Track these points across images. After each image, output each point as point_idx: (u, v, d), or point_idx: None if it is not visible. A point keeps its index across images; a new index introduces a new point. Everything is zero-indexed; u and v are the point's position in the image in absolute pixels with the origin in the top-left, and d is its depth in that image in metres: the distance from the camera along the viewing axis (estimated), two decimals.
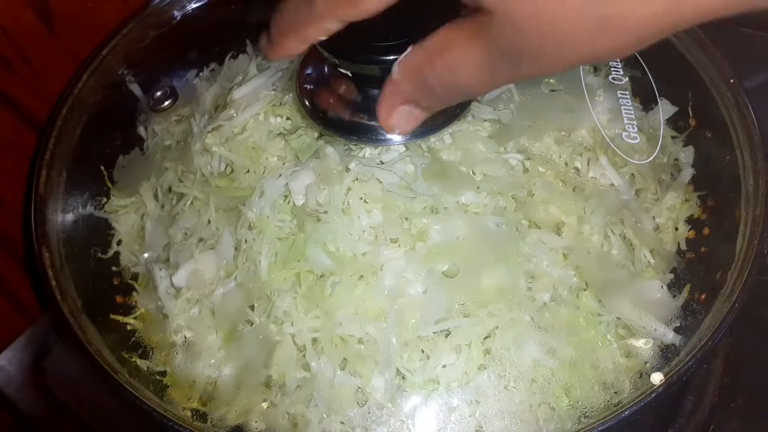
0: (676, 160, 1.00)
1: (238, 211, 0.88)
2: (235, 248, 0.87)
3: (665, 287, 0.87)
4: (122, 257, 1.02)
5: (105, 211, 1.02)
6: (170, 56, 1.10)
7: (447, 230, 0.80)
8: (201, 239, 0.92)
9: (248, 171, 0.90)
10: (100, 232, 1.02)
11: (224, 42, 1.14)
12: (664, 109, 1.01)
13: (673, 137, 1.01)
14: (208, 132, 0.93)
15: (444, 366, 0.78)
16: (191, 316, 0.90)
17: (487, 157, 0.85)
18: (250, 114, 0.92)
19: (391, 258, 0.79)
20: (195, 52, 1.13)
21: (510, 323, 0.79)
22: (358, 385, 0.78)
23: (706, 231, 0.93)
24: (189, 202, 0.95)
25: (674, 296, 0.87)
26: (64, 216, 0.93)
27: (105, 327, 0.93)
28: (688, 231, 0.94)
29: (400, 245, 0.80)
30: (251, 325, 0.84)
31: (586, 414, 0.80)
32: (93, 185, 1.02)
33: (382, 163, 0.83)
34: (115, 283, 1.01)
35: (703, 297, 0.85)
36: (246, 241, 0.85)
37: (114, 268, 1.01)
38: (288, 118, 0.92)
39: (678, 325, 0.85)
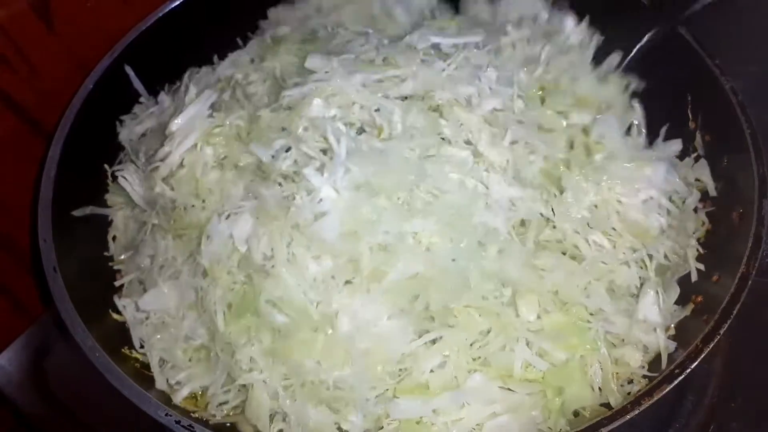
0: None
1: (193, 239, 0.86)
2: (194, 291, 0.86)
3: (662, 289, 0.87)
4: (115, 253, 1.01)
5: (107, 205, 1.02)
6: (173, 59, 1.09)
7: (403, 268, 0.77)
8: (162, 266, 0.90)
9: (193, 206, 0.89)
10: (101, 232, 1.02)
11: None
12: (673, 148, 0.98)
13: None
14: (150, 172, 0.92)
15: (432, 371, 0.77)
16: (158, 338, 0.88)
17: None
18: (186, 148, 0.90)
19: (345, 304, 0.77)
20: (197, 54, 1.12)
21: (498, 327, 0.78)
22: (336, 420, 0.77)
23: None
24: (149, 230, 0.93)
25: (672, 299, 0.86)
26: (66, 216, 0.93)
27: (106, 326, 0.93)
28: None
29: (355, 289, 0.78)
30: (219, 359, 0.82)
31: (579, 415, 0.80)
32: (94, 186, 1.02)
33: (321, 214, 0.79)
34: (117, 284, 1.01)
35: (699, 299, 0.84)
36: (201, 288, 0.83)
37: (116, 268, 1.00)
38: (222, 146, 0.90)
39: (674, 329, 0.84)
